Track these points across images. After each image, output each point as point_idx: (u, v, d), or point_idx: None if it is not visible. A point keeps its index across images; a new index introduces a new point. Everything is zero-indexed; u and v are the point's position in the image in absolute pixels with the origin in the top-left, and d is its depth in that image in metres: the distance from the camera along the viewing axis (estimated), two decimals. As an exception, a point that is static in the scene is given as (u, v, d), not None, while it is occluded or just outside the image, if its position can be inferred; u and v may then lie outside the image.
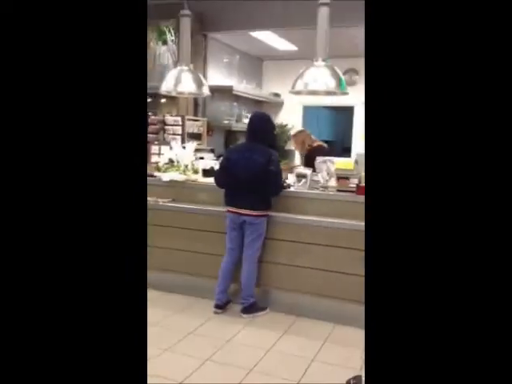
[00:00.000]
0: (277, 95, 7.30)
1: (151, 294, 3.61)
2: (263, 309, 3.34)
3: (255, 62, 7.39)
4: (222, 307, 3.34)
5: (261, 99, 7.10)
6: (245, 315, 3.27)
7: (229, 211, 3.29)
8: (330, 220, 3.21)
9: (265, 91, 7.18)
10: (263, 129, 3.31)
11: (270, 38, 5.87)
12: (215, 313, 3.32)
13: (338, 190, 3.34)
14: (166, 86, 3.94)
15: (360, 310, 3.14)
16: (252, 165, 3.16)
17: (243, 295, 3.30)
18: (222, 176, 3.34)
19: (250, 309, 3.29)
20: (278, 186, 3.28)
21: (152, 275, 3.73)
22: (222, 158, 3.47)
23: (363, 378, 1.44)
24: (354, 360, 2.64)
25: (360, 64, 6.90)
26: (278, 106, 7.56)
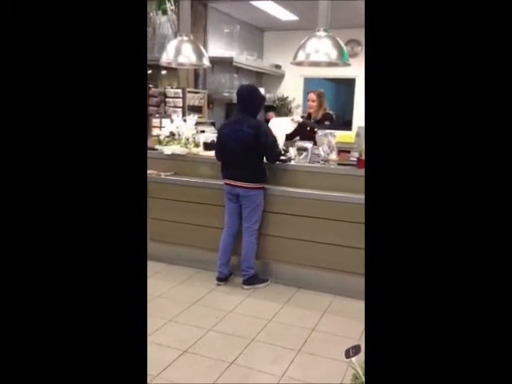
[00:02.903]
0: (277, 67, 7.20)
1: (154, 266, 3.68)
2: (264, 280, 3.40)
3: (256, 33, 7.25)
4: (223, 280, 3.40)
5: (261, 71, 7.00)
6: (246, 287, 3.33)
7: (225, 183, 3.33)
8: (330, 193, 3.23)
9: (266, 63, 7.08)
10: (250, 100, 3.30)
11: (271, 8, 5.74)
12: (217, 285, 3.38)
13: (339, 164, 3.34)
14: (167, 57, 3.89)
15: (359, 282, 3.21)
16: (241, 137, 3.18)
17: (243, 267, 3.35)
18: (218, 150, 3.38)
19: (251, 280, 3.35)
20: (273, 154, 3.30)
21: (155, 247, 3.79)
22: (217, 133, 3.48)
23: (363, 348, 1.48)
24: (354, 330, 2.71)
25: (362, 35, 6.77)
26: (279, 78, 7.47)
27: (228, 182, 3.31)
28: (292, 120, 4.14)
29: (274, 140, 3.32)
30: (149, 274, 3.54)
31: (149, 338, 2.57)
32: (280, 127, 3.86)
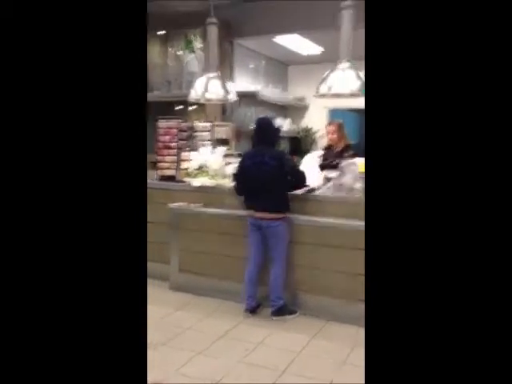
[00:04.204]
0: (302, 99, 7.32)
1: (183, 298, 3.71)
2: (293, 312, 3.37)
3: (280, 67, 7.43)
4: (252, 311, 3.39)
5: (286, 104, 7.13)
6: (275, 318, 3.31)
7: (248, 215, 3.37)
8: (357, 223, 3.22)
9: (290, 95, 7.22)
10: (268, 131, 3.39)
11: (294, 43, 5.91)
12: (246, 317, 3.37)
13: (366, 193, 3.34)
14: (195, 93, 4.06)
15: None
16: (264, 168, 3.24)
17: (272, 297, 3.34)
18: (238, 183, 3.44)
19: (280, 311, 3.33)
20: (301, 177, 3.35)
21: (184, 278, 3.83)
22: (236, 167, 3.53)
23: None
24: (386, 363, 2.64)
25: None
26: (303, 109, 7.58)
27: (251, 213, 3.35)
28: (316, 156, 4.21)
29: (296, 164, 3.41)
30: (178, 305, 3.57)
31: (179, 371, 2.58)
32: (310, 166, 3.96)
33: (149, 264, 4.62)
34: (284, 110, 7.40)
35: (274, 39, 5.61)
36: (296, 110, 7.50)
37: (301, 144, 7.36)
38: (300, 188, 3.41)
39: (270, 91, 6.32)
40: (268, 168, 3.23)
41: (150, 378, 2.47)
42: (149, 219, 4.52)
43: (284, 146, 6.98)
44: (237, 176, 3.47)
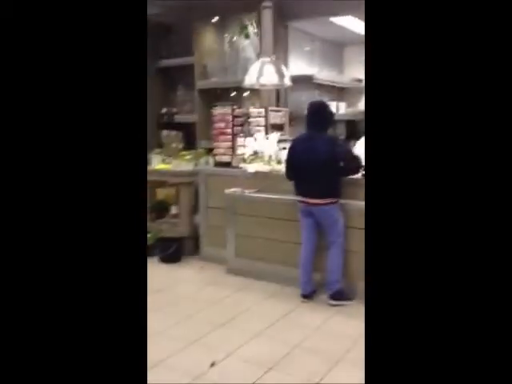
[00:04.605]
0: (359, 81, 7.11)
1: (241, 281, 3.78)
2: (350, 298, 3.33)
3: (336, 48, 7.25)
4: (308, 296, 3.39)
5: (342, 86, 6.96)
6: (333, 302, 3.29)
7: (299, 201, 3.35)
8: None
9: (346, 77, 7.03)
10: (321, 116, 3.30)
11: (350, 23, 5.73)
12: (302, 301, 3.37)
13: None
14: (249, 79, 4.06)
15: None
16: (314, 154, 3.19)
17: (329, 281, 3.31)
18: (288, 168, 3.40)
19: (337, 296, 3.30)
20: (355, 164, 3.23)
21: (240, 263, 3.90)
22: (286, 152, 3.49)
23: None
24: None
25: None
26: (360, 91, 7.36)
27: (301, 199, 3.33)
28: None
29: (351, 149, 3.33)
30: (235, 288, 3.64)
31: (235, 353, 2.64)
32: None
33: (207, 248, 4.75)
34: (340, 92, 7.23)
35: (330, 19, 5.46)
36: (353, 92, 7.30)
37: (358, 127, 7.17)
38: (355, 173, 3.32)
39: (325, 74, 6.21)
40: (318, 154, 3.19)
41: (208, 358, 2.56)
42: (206, 204, 4.62)
43: (341, 129, 6.84)
44: (287, 162, 3.44)
